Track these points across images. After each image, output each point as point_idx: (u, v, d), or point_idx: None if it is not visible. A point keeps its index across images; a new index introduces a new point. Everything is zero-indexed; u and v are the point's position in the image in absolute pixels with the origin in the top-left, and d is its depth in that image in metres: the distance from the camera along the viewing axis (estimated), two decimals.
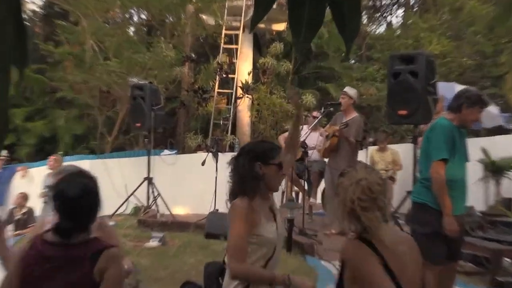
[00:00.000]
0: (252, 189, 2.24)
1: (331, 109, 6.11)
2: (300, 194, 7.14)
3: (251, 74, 11.16)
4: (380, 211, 1.90)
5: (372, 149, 8.19)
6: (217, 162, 7.07)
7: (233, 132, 11.02)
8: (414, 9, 17.51)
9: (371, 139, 8.25)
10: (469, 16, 13.41)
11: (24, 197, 7.60)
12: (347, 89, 6.26)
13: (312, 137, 6.44)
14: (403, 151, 7.85)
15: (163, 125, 8.36)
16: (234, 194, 2.29)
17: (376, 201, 1.89)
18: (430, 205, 3.20)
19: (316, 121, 6.34)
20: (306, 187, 6.75)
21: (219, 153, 7.28)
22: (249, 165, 2.25)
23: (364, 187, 1.88)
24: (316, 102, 11.19)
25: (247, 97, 10.67)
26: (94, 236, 1.91)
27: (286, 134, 7.43)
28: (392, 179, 7.69)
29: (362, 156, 7.55)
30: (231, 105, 10.97)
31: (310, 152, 6.38)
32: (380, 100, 12.31)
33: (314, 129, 6.42)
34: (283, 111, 10.95)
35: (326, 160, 6.36)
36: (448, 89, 6.25)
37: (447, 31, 13.76)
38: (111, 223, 6.97)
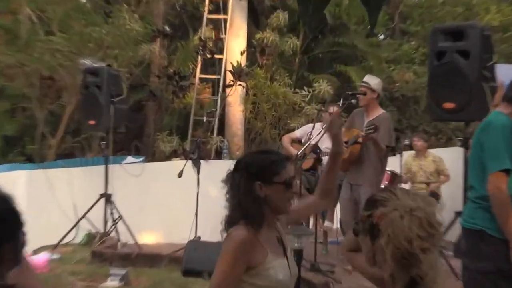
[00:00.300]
0: (256, 217, 2.32)
1: (353, 101, 6.12)
2: (312, 216, 7.13)
3: (245, 54, 11.17)
4: (438, 251, 1.86)
5: (408, 155, 8.21)
6: (198, 173, 7.07)
7: (221, 132, 11.02)
8: None
9: (406, 142, 8.28)
10: None
11: None
12: (368, 78, 6.30)
13: (327, 139, 6.44)
14: (450, 158, 7.86)
15: (126, 123, 8.33)
16: (231, 223, 2.36)
17: (434, 239, 1.84)
18: (489, 232, 3.17)
19: None
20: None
21: (202, 161, 7.28)
22: (246, 185, 2.34)
23: (422, 220, 1.81)
24: (333, 92, 11.22)
25: (240, 85, 10.67)
26: (11, 283, 1.86)
27: (292, 134, 7.52)
28: (435, 195, 7.69)
29: (394, 164, 7.57)
30: (217, 96, 10.96)
31: (325, 159, 6.39)
32: (419, 89, 12.33)
33: None
34: (288, 103, 10.96)
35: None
36: (511, 74, 6.27)
37: None
38: (55, 256, 6.96)
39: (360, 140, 5.90)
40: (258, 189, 2.33)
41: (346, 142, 6.05)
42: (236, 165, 2.43)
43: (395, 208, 1.83)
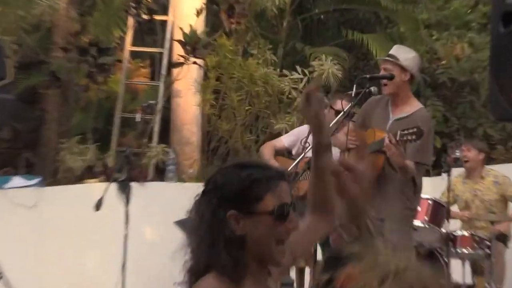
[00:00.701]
0: (230, 266, 2.33)
1: (373, 89, 6.14)
2: (308, 271, 7.15)
3: (203, 15, 11.17)
4: None
5: (457, 175, 8.19)
6: (127, 203, 7.03)
7: (165, 138, 11.04)
8: None
9: (457, 154, 8.28)
10: None
11: None
12: (396, 50, 6.34)
13: (333, 150, 6.47)
14: None
15: (12, 123, 8.28)
16: (196, 273, 2.38)
17: None
18: None
19: (341, 116, 6.33)
20: (319, 257, 6.76)
21: (134, 184, 7.24)
22: (215, 217, 2.37)
23: (414, 285, 1.77)
24: (342, 75, 11.24)
25: (195, 63, 10.66)
26: None
27: (277, 141, 7.51)
28: (503, 238, 7.74)
29: (438, 188, 7.58)
30: (160, 80, 10.96)
31: None
32: (478, 69, 12.39)
33: (338, 131, 6.42)
34: (272, 92, 10.96)
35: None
36: None
37: None
38: None
39: (384, 148, 5.80)
40: (233, 223, 2.35)
41: (358, 151, 6.03)
42: (206, 184, 2.48)
43: (371, 266, 1.79)
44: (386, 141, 5.66)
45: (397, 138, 5.62)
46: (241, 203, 2.37)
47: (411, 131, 5.59)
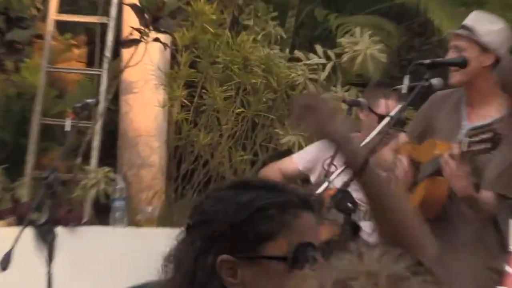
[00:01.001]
0: None
1: (434, 81, 6.11)
2: None
3: None
4: None
5: None
6: (51, 258, 7.02)
7: (108, 156, 11.04)
8: None
9: None
10: None
11: None
12: (474, 18, 6.41)
13: None
14: None
15: None
16: None
17: None
18: None
19: (384, 124, 6.32)
20: None
21: (60, 230, 7.24)
22: (198, 264, 2.38)
23: None
24: (388, 58, 11.29)
25: (157, 40, 10.68)
26: None
27: (286, 163, 7.56)
28: None
29: None
30: (103, 67, 11.02)
31: (365, 226, 6.41)
32: None
33: (382, 146, 6.45)
34: (278, 85, 10.99)
35: None
36: None
37: None
38: None
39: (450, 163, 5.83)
40: (226, 273, 2.35)
41: (414, 166, 6.09)
42: (190, 218, 2.49)
43: (316, 277, 1.82)
44: (445, 154, 5.68)
45: (467, 144, 5.61)
46: (238, 244, 2.36)
47: (484, 136, 5.54)
